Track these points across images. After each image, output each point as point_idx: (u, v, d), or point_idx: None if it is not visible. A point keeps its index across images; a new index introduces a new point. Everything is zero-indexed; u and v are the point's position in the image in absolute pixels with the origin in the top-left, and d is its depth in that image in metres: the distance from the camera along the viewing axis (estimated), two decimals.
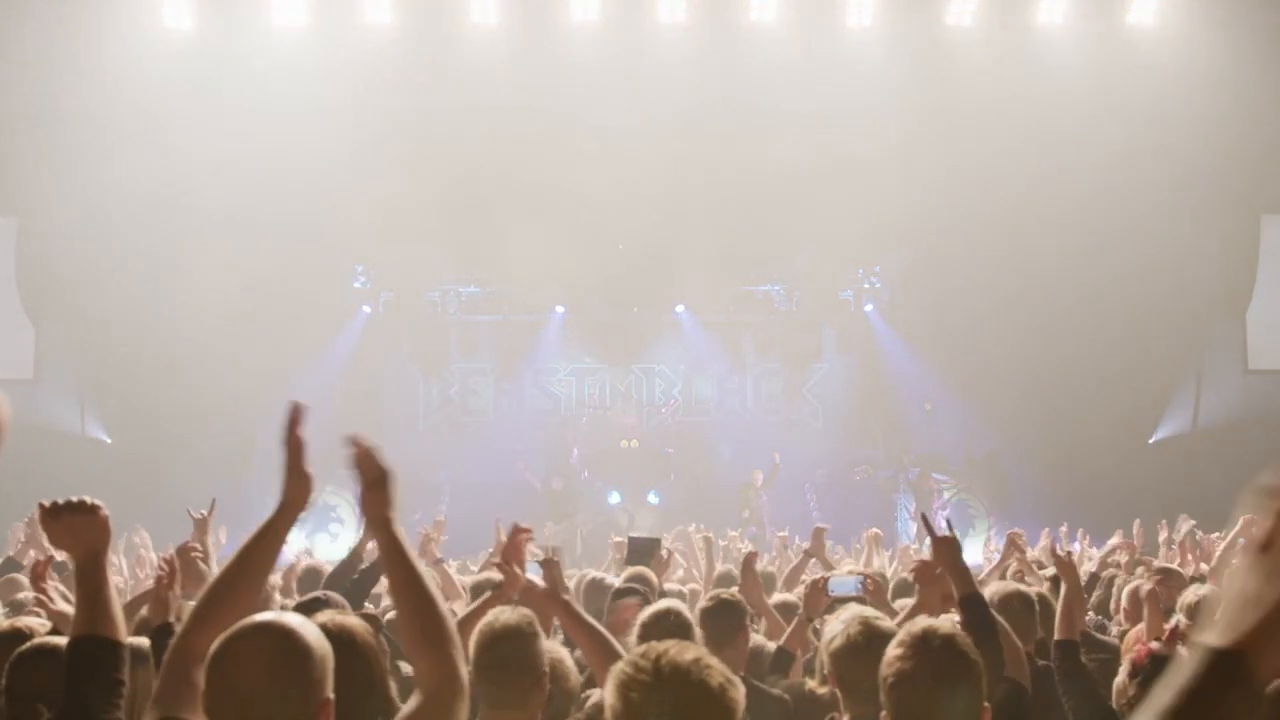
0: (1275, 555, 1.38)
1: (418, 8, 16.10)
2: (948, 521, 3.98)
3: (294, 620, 2.11)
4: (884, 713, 2.52)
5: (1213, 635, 1.37)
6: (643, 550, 5.95)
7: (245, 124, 15.74)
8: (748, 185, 16.37)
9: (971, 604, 3.68)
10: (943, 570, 3.89)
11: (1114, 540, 10.64)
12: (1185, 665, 1.36)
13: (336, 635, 2.37)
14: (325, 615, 2.63)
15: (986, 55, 16.37)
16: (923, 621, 2.63)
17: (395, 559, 2.26)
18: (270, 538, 2.41)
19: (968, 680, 2.48)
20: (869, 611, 3.45)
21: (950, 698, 2.45)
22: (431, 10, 16.13)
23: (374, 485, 2.31)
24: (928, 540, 4.09)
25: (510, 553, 3.88)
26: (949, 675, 2.47)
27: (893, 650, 2.54)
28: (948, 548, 3.83)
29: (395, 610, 2.28)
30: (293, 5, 16.11)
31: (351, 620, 2.68)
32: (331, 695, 2.05)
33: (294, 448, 2.38)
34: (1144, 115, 16.18)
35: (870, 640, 3.05)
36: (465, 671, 2.22)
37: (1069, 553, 4.96)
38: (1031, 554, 8.58)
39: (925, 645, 2.49)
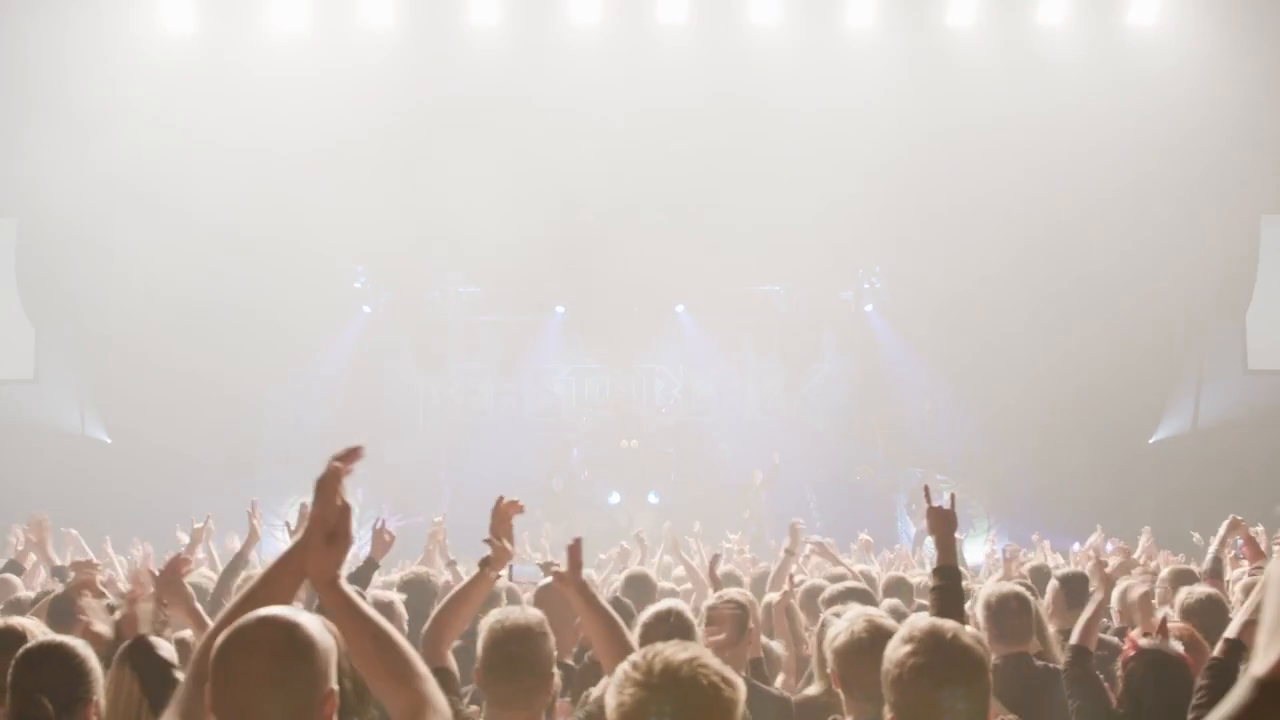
0: None
1: (417, 9, 16.10)
2: (951, 497, 3.98)
3: (295, 614, 2.13)
4: (888, 710, 2.50)
5: (1255, 664, 1.40)
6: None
7: (245, 125, 15.73)
8: (747, 185, 16.36)
9: (948, 574, 3.72)
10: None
11: (1093, 538, 10.67)
12: (1231, 695, 1.40)
13: None
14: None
15: (986, 56, 16.38)
16: (926, 618, 2.62)
17: (346, 614, 2.19)
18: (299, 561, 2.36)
19: (981, 675, 2.47)
20: (873, 610, 3.46)
21: (962, 695, 2.43)
22: (431, 11, 16.14)
23: (333, 541, 2.22)
24: (927, 543, 4.09)
25: (498, 526, 3.85)
26: (962, 672, 2.45)
27: (901, 646, 2.50)
28: (942, 518, 3.85)
29: (356, 660, 2.22)
30: (292, 7, 16.11)
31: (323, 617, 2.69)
32: (335, 686, 2.07)
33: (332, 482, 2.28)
34: (1143, 115, 16.18)
35: (874, 639, 3.05)
36: (441, 697, 2.19)
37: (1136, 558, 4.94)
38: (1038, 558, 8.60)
39: (937, 641, 2.47)
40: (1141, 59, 16.42)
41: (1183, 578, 6.19)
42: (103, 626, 3.54)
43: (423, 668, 2.20)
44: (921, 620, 2.59)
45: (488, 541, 3.83)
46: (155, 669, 3.19)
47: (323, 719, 2.05)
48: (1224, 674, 3.41)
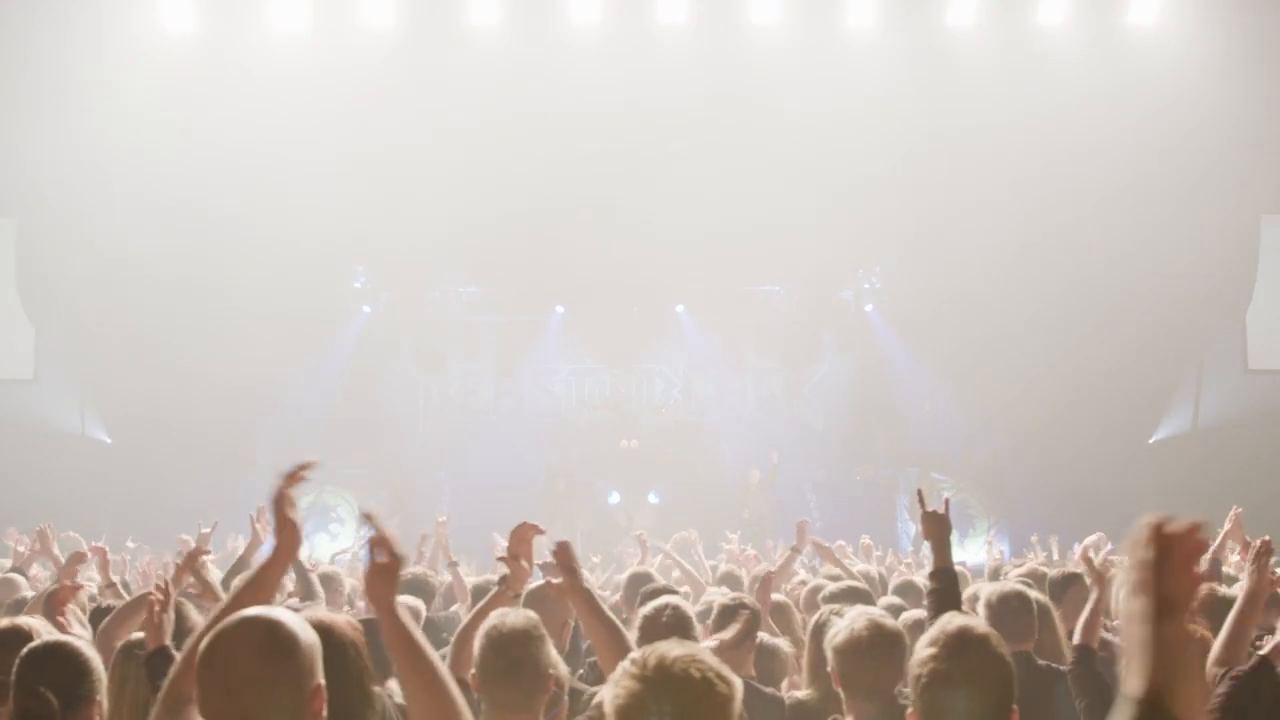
0: (1139, 600, 1.46)
1: (417, 9, 16.11)
2: (945, 501, 4.00)
3: (279, 613, 2.15)
4: (911, 711, 2.51)
5: (1128, 685, 1.46)
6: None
7: (246, 125, 15.74)
8: (748, 184, 16.37)
9: (944, 576, 3.72)
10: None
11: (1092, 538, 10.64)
12: (1114, 716, 1.46)
13: (315, 629, 2.41)
14: (306, 612, 2.67)
15: (986, 56, 16.39)
16: (957, 620, 2.61)
17: (400, 641, 2.25)
18: (262, 585, 2.56)
19: (1002, 682, 2.47)
20: (874, 610, 3.46)
21: (984, 700, 2.43)
22: (431, 13, 16.14)
23: (382, 571, 2.31)
24: (927, 548, 4.08)
25: (517, 547, 3.87)
26: (985, 677, 2.45)
27: (926, 650, 2.51)
28: (936, 522, 3.86)
29: (403, 690, 2.28)
30: (292, 7, 16.12)
31: (333, 616, 2.72)
32: (323, 681, 2.09)
33: (284, 503, 2.56)
34: (1143, 115, 16.19)
35: (874, 638, 3.06)
36: None
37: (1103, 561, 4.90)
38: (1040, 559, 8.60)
39: (961, 646, 2.48)
40: (1141, 59, 16.43)
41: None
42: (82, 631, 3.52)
43: (463, 706, 2.24)
44: (951, 623, 2.58)
45: (503, 560, 3.84)
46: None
47: (312, 714, 2.06)
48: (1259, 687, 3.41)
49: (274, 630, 2.07)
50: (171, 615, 3.40)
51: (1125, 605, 1.50)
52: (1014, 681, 2.48)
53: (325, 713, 2.08)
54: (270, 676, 2.03)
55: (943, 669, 2.45)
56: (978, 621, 2.65)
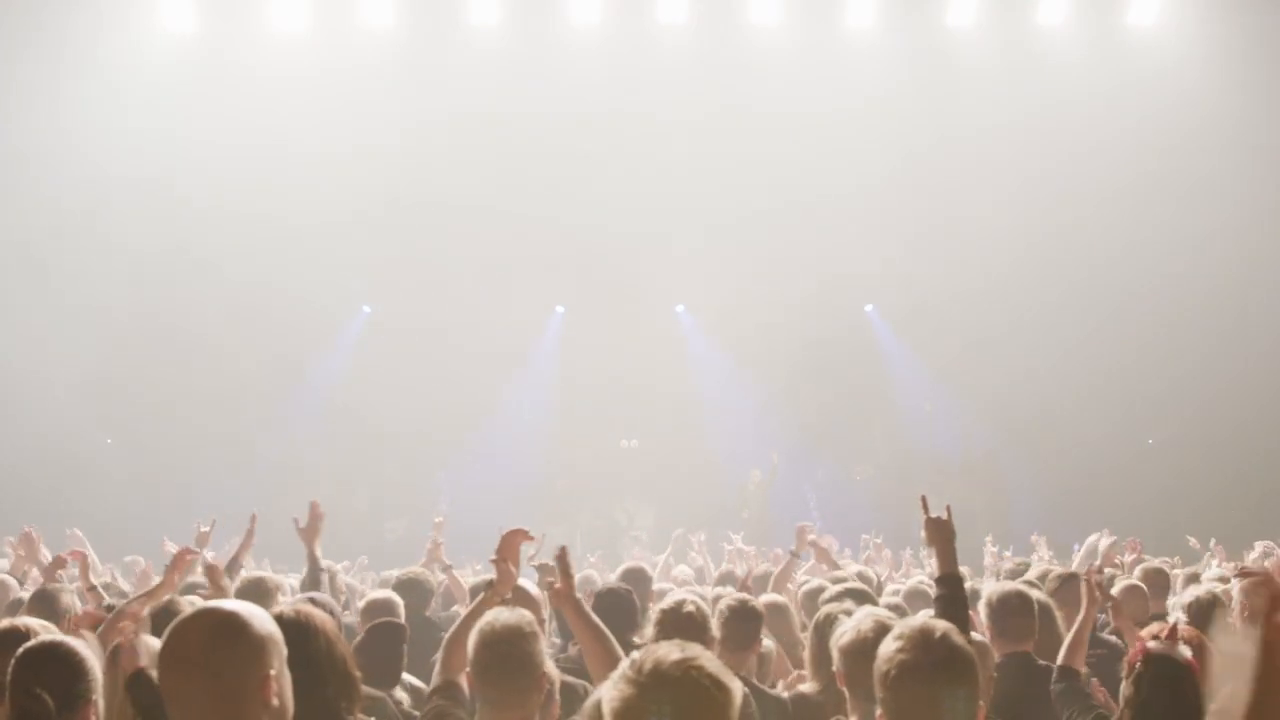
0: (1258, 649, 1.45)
1: (418, 10, 16.11)
2: (947, 508, 3.98)
3: (237, 605, 2.25)
4: (879, 708, 2.51)
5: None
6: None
7: (246, 125, 15.74)
8: (748, 185, 16.36)
9: (950, 582, 3.72)
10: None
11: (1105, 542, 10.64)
12: None
13: (294, 620, 2.60)
14: (286, 604, 2.76)
15: (986, 56, 16.40)
16: (921, 618, 2.64)
17: None
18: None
19: (967, 677, 2.47)
20: (880, 611, 3.46)
21: (949, 694, 2.44)
22: (431, 13, 16.15)
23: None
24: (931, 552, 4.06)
25: (505, 551, 3.89)
26: (949, 670, 2.46)
27: (891, 643, 2.53)
28: (939, 528, 3.85)
29: None
30: (293, 7, 16.11)
31: (310, 608, 2.83)
32: (273, 672, 2.17)
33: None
34: (1143, 115, 16.19)
35: (881, 638, 3.05)
36: None
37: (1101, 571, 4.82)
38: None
39: (925, 640, 2.49)
40: (1141, 59, 16.44)
41: (1155, 577, 6.19)
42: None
43: None
44: (915, 620, 2.60)
45: (494, 563, 3.85)
46: (157, 701, 3.15)
47: (261, 702, 2.14)
48: None
49: (223, 620, 2.18)
50: (145, 639, 3.33)
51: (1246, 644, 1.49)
52: (978, 677, 2.50)
53: (276, 702, 2.16)
54: (211, 662, 2.13)
55: (909, 660, 2.47)
56: (938, 620, 2.67)
